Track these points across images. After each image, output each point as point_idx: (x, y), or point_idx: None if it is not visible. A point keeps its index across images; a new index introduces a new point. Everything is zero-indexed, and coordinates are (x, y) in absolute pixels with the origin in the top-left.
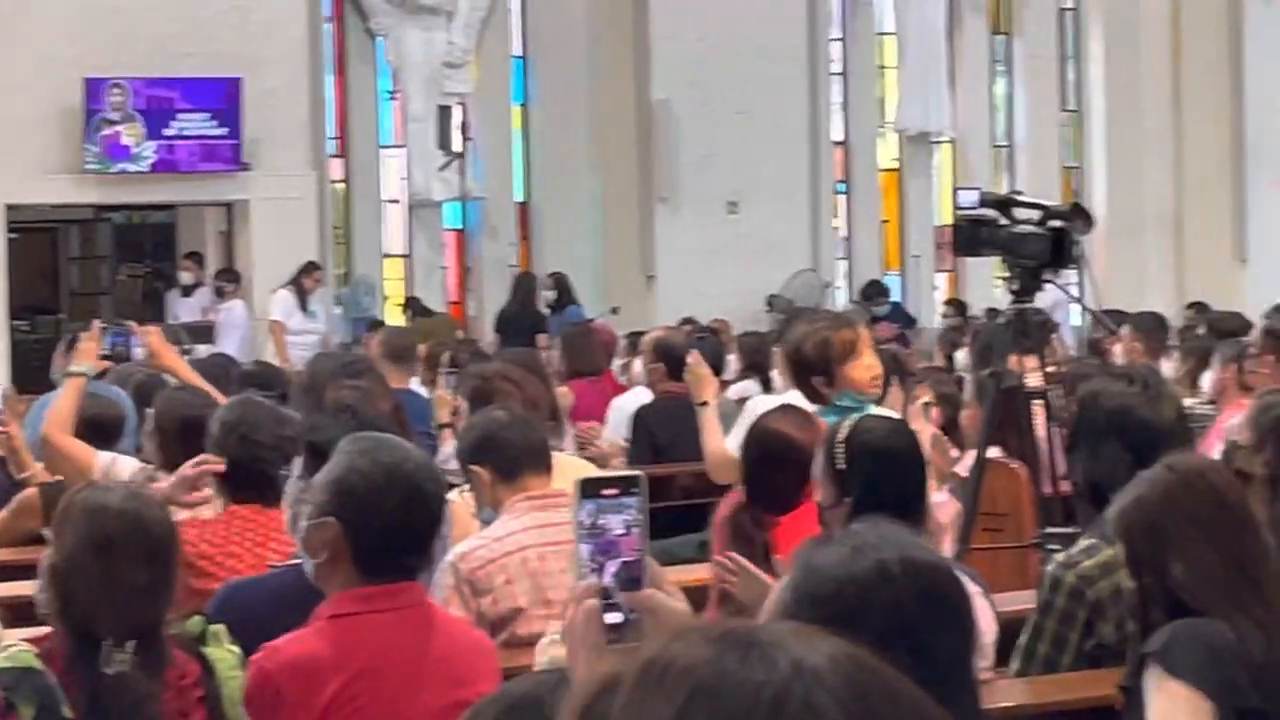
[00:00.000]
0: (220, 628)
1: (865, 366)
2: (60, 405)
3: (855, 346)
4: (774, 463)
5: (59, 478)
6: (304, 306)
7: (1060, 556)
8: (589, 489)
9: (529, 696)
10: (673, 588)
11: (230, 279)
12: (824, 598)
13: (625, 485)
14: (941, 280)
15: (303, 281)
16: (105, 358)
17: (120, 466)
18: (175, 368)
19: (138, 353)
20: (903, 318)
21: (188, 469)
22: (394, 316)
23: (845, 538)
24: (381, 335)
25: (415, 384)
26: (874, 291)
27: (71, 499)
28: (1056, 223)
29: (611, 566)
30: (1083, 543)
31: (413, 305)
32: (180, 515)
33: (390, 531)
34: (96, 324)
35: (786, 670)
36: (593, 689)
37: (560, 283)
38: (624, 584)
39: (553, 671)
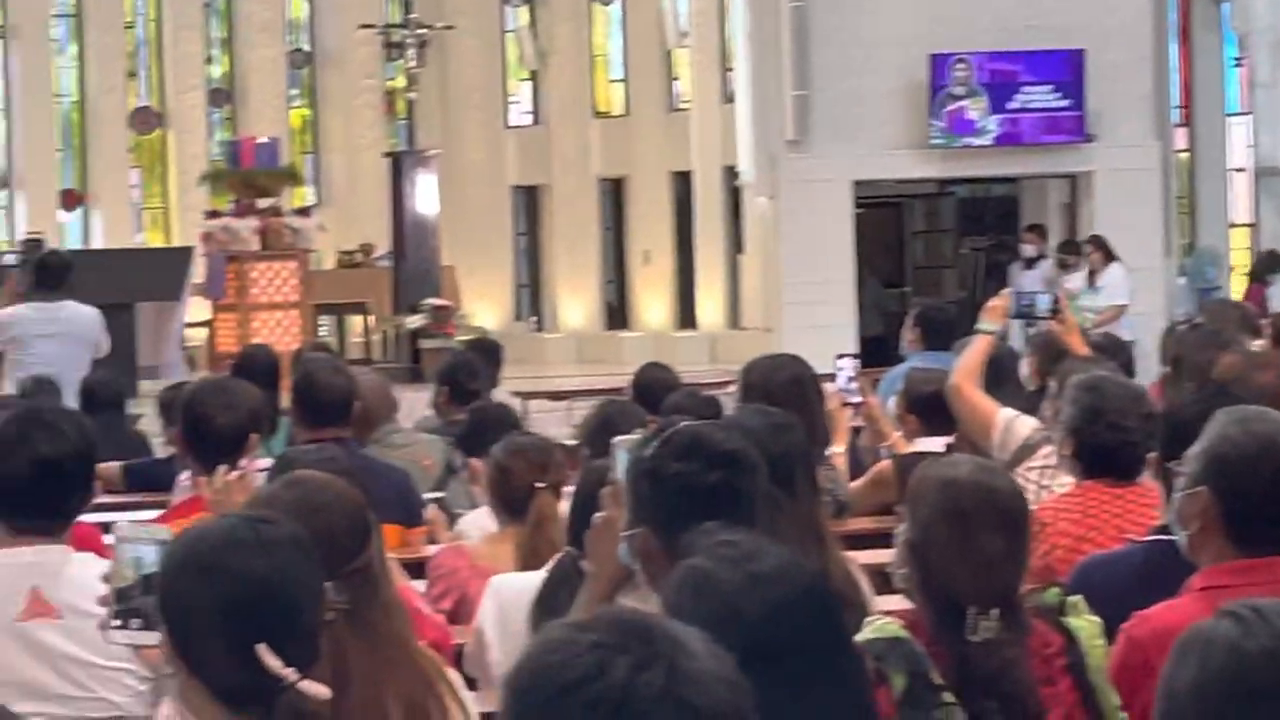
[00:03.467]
0: (1078, 598)
1: None
2: (969, 358)
3: None
4: None
5: (915, 449)
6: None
7: None
8: None
9: None
10: None
11: (1072, 251)
12: None
13: None
14: None
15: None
16: (1017, 316)
17: (1020, 424)
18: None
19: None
20: None
21: None
22: (1238, 287)
23: None
24: None
25: None
26: None
27: (923, 474)
28: None
29: None
30: None
31: None
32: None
33: (1264, 503)
34: (1007, 291)
35: None
36: None
37: None
38: None
39: None
